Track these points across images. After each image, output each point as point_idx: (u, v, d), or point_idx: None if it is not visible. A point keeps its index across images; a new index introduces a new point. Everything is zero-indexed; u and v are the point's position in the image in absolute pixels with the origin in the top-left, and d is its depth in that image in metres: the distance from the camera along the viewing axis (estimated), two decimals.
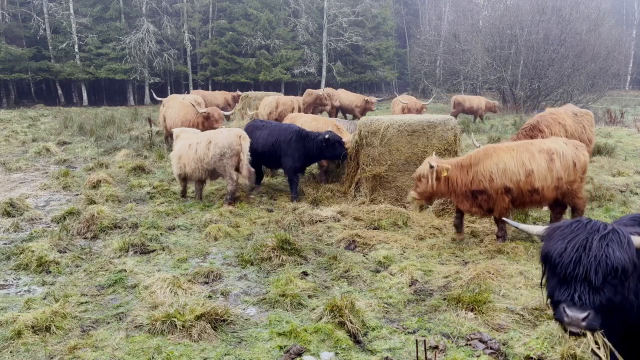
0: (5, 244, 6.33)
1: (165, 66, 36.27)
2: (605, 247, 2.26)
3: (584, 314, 2.21)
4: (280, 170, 10.33)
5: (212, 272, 5.29)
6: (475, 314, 4.28)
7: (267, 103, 13.85)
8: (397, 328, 4.16)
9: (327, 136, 8.06)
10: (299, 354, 3.71)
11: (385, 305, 4.57)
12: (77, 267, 5.59)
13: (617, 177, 9.93)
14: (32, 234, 6.68)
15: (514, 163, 5.75)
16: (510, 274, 5.07)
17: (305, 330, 4.00)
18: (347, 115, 20.89)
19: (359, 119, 12.77)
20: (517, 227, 2.93)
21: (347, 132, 9.48)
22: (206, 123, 11.11)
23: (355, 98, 20.76)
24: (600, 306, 2.24)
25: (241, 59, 37.75)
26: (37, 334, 4.00)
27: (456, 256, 5.81)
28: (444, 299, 4.62)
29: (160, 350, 3.76)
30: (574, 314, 2.22)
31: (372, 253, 5.81)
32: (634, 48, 41.85)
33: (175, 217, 7.48)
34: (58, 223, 7.05)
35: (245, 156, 8.10)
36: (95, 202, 7.90)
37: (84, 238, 6.54)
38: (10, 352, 3.78)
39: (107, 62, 34.95)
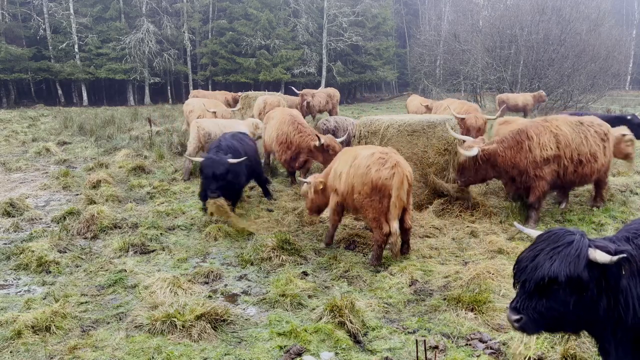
0: (5, 244, 6.33)
1: (165, 66, 36.25)
2: (548, 259, 2.41)
3: (516, 317, 2.49)
4: (282, 170, 10.42)
5: (212, 272, 5.29)
6: (475, 314, 4.28)
7: (257, 104, 14.35)
8: (397, 328, 4.16)
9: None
10: (299, 354, 3.72)
11: (385, 305, 4.57)
12: (77, 267, 5.59)
13: (617, 177, 9.93)
14: (32, 234, 6.68)
15: (346, 166, 5.71)
16: (510, 274, 5.05)
17: (305, 330, 4.00)
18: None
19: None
20: (522, 230, 3.18)
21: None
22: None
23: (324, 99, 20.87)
24: (536, 313, 2.42)
25: (241, 59, 37.73)
26: (37, 334, 4.00)
27: (456, 256, 5.81)
28: (444, 299, 4.62)
29: (160, 350, 3.76)
30: (510, 315, 2.52)
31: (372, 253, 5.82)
32: (634, 48, 41.83)
33: (175, 217, 7.48)
34: (58, 223, 7.05)
35: None
36: (95, 202, 7.90)
37: (84, 238, 6.54)
38: (10, 352, 3.78)
39: (107, 62, 34.93)
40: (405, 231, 5.63)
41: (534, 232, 2.79)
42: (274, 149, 9.47)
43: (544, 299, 2.42)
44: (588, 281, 2.34)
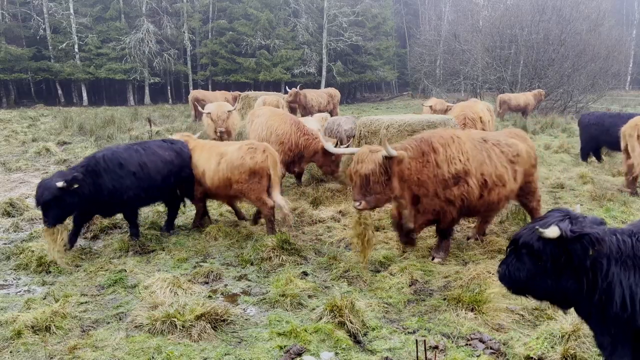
0: (5, 244, 6.33)
1: (165, 66, 36.24)
2: (525, 229, 2.87)
3: (498, 268, 3.04)
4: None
5: (212, 272, 5.29)
6: (475, 314, 4.28)
7: (257, 103, 14.65)
8: (397, 328, 4.16)
9: None
10: (299, 354, 3.71)
11: (385, 305, 4.57)
12: (77, 267, 5.59)
13: (617, 177, 9.94)
14: (32, 234, 6.68)
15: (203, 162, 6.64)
16: None
17: (305, 330, 4.00)
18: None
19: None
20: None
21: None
22: None
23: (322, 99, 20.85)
24: (511, 267, 2.90)
25: (241, 59, 37.71)
26: (37, 334, 4.00)
27: (456, 256, 5.81)
28: (444, 299, 4.62)
29: (160, 350, 3.76)
30: (498, 267, 3.07)
31: (372, 253, 5.81)
32: (634, 48, 41.83)
33: (175, 217, 7.47)
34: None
35: None
36: None
37: (84, 238, 6.53)
38: (10, 352, 3.78)
39: (107, 62, 34.90)
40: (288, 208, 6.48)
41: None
42: None
43: (515, 258, 2.89)
44: (540, 251, 2.68)
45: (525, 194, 6.13)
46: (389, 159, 4.95)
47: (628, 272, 2.56)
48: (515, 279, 2.88)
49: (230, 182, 6.40)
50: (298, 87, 20.30)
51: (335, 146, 8.09)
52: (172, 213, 6.95)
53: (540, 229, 2.66)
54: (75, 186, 5.50)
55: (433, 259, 5.61)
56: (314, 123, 10.20)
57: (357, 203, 5.01)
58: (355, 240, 5.26)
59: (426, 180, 5.22)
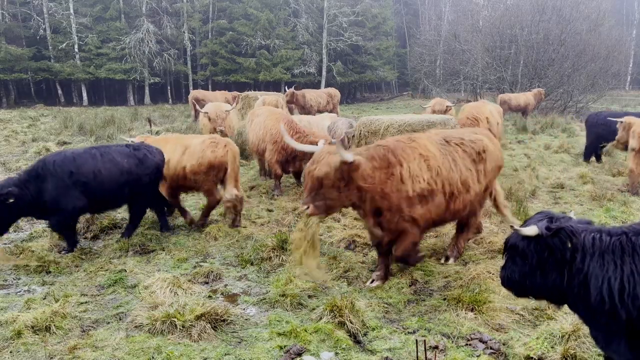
0: (5, 244, 6.33)
1: (165, 66, 36.23)
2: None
3: (500, 273, 3.23)
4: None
5: (212, 272, 5.29)
6: (475, 314, 4.28)
7: (257, 103, 14.70)
8: (397, 328, 4.16)
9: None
10: (299, 354, 3.72)
11: (385, 305, 4.57)
12: (77, 267, 5.59)
13: (617, 177, 9.94)
14: (32, 234, 6.68)
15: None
16: None
17: (305, 330, 4.00)
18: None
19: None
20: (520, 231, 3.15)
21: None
22: None
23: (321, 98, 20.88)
24: (508, 270, 3.11)
25: (241, 59, 37.70)
26: (37, 334, 4.00)
27: None
28: (444, 299, 4.62)
29: (160, 350, 3.76)
30: (500, 271, 3.26)
31: (372, 253, 5.81)
32: (634, 48, 41.81)
33: (176, 217, 7.47)
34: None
35: None
36: None
37: (84, 238, 6.54)
38: (10, 352, 3.78)
39: (107, 62, 34.89)
40: (239, 200, 6.76)
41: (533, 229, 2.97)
42: (266, 149, 8.74)
43: (509, 261, 3.13)
44: (525, 250, 2.93)
45: (479, 201, 5.53)
46: (346, 163, 4.48)
47: (605, 266, 2.67)
48: (513, 281, 3.09)
49: (187, 173, 6.64)
50: (294, 87, 20.32)
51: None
52: (131, 222, 6.56)
53: (520, 229, 2.94)
54: (11, 200, 5.34)
55: (372, 281, 5.06)
56: (325, 122, 10.24)
57: (305, 207, 4.61)
58: (296, 246, 4.80)
59: (390, 193, 4.68)
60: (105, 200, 6.12)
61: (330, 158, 4.55)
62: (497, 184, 5.95)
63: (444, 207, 4.93)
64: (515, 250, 3.00)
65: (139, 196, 6.38)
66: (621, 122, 9.52)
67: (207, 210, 7.02)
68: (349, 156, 4.45)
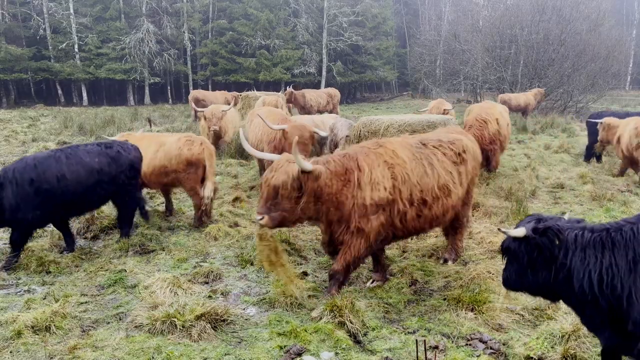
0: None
1: (165, 66, 36.22)
2: None
3: (502, 275, 3.37)
4: None
5: (212, 272, 5.29)
6: (475, 314, 4.28)
7: (257, 103, 14.80)
8: (397, 328, 4.16)
9: None
10: (299, 354, 3.71)
11: (385, 305, 4.57)
12: (77, 267, 5.59)
13: (617, 177, 9.94)
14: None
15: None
16: None
17: (305, 330, 4.00)
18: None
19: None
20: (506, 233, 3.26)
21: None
22: None
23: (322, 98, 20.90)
24: (507, 272, 3.27)
25: (241, 59, 37.70)
26: (37, 334, 4.00)
27: None
28: (444, 299, 4.62)
29: (160, 350, 3.76)
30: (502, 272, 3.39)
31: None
32: (634, 48, 41.81)
33: (176, 218, 7.47)
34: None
35: None
36: None
37: (84, 238, 6.54)
38: (10, 352, 3.78)
39: (107, 62, 34.89)
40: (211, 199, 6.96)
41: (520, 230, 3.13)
42: (264, 149, 8.63)
43: (507, 263, 3.28)
44: (516, 250, 3.09)
45: (465, 204, 5.36)
46: (305, 172, 4.19)
47: (586, 260, 2.86)
48: (512, 281, 3.25)
49: (166, 171, 6.81)
50: (290, 86, 20.35)
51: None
52: (121, 221, 6.41)
53: (508, 231, 3.14)
54: None
55: (372, 281, 5.03)
56: (331, 122, 10.25)
57: (259, 217, 4.27)
58: (263, 263, 4.58)
59: (344, 201, 4.34)
60: (76, 203, 5.81)
61: (289, 166, 4.29)
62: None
63: (412, 217, 4.60)
64: (509, 252, 3.18)
65: (119, 195, 6.20)
66: (601, 123, 10.20)
67: (197, 211, 7.02)
68: (308, 165, 4.20)
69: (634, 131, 9.01)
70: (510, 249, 3.15)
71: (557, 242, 2.93)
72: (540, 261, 3.00)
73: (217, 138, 11.62)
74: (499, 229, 3.27)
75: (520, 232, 3.05)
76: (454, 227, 5.49)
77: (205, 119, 11.41)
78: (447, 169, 4.83)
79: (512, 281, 3.24)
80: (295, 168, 4.22)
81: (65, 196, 5.59)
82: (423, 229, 4.97)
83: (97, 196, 5.97)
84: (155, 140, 7.08)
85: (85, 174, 5.73)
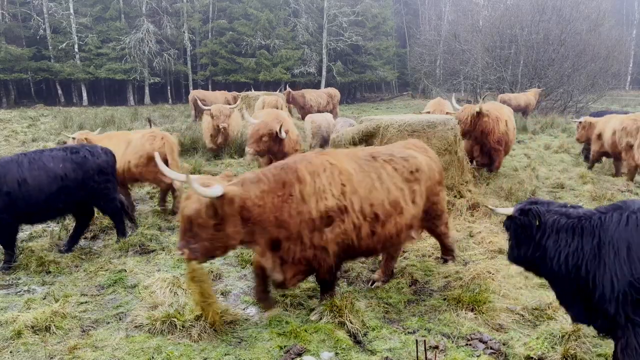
0: None
1: (165, 66, 36.22)
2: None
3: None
4: None
5: (212, 272, 5.29)
6: (475, 314, 4.28)
7: (257, 104, 14.81)
8: (397, 328, 4.16)
9: None
10: (299, 354, 3.71)
11: (385, 305, 4.57)
12: (77, 267, 5.59)
13: (617, 177, 9.94)
14: (32, 234, 6.68)
15: None
16: (510, 274, 5.08)
17: (305, 331, 4.00)
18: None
19: None
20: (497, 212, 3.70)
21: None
22: None
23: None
24: (510, 248, 3.59)
25: (241, 59, 37.69)
26: (37, 334, 4.01)
27: (456, 256, 5.80)
28: (444, 299, 4.62)
29: (160, 350, 3.76)
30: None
31: None
32: (634, 48, 41.81)
33: (175, 217, 7.47)
34: (58, 223, 7.04)
35: None
36: None
37: (84, 238, 6.53)
38: (10, 352, 3.78)
39: (107, 62, 34.88)
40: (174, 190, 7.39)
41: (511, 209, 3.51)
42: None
43: (508, 239, 3.61)
44: (508, 227, 3.49)
45: (431, 218, 5.08)
46: (219, 197, 3.69)
47: (558, 243, 3.18)
48: (509, 253, 3.61)
49: (135, 166, 7.23)
50: (286, 86, 20.37)
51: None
52: (115, 224, 6.38)
53: (495, 209, 3.70)
54: None
55: (372, 283, 4.90)
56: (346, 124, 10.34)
57: (179, 252, 3.89)
58: (194, 297, 4.12)
59: (287, 219, 3.91)
60: (39, 210, 5.58)
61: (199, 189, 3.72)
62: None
63: (367, 233, 4.22)
64: (507, 229, 3.55)
65: (94, 200, 6.04)
66: (579, 122, 11.13)
67: (162, 194, 7.85)
68: (211, 191, 3.64)
69: (623, 131, 9.23)
70: (505, 226, 3.56)
71: (537, 224, 3.25)
72: (523, 238, 3.36)
73: (224, 137, 11.55)
74: (490, 208, 3.76)
75: (508, 211, 3.46)
76: (436, 234, 5.36)
77: (212, 117, 11.36)
78: (398, 185, 4.46)
79: (509, 254, 3.61)
80: (214, 190, 3.68)
81: (28, 201, 5.39)
82: (375, 250, 4.54)
83: (63, 203, 5.70)
84: (123, 138, 7.52)
85: (47, 179, 5.52)
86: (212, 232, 3.76)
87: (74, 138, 7.56)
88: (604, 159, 11.44)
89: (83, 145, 6.19)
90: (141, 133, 7.59)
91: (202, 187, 3.67)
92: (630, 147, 9.06)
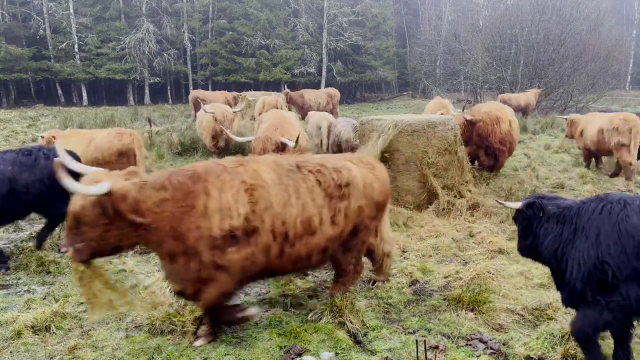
0: (5, 244, 6.32)
1: (165, 66, 36.24)
2: None
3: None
4: None
5: None
6: (475, 314, 4.28)
7: (257, 104, 14.74)
8: (397, 328, 4.15)
9: None
10: (299, 354, 3.71)
11: (386, 305, 4.56)
12: None
13: (617, 177, 9.93)
14: (32, 234, 6.67)
15: None
16: (510, 274, 5.08)
17: (305, 331, 4.00)
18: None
19: None
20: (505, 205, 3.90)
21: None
22: None
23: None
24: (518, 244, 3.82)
25: (241, 59, 37.71)
26: (37, 334, 4.00)
27: (456, 256, 5.81)
28: (444, 299, 4.62)
29: (160, 350, 3.76)
30: None
31: None
32: (634, 48, 41.79)
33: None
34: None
35: None
36: None
37: None
38: (10, 352, 3.78)
39: (107, 62, 34.91)
40: None
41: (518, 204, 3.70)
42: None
43: (517, 232, 3.81)
44: (516, 220, 3.72)
45: (347, 242, 4.26)
46: (108, 194, 3.35)
47: (547, 232, 3.43)
48: (518, 247, 3.80)
49: (99, 163, 7.03)
50: (285, 86, 20.40)
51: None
52: (42, 230, 6.03)
53: (505, 203, 3.89)
54: None
55: (196, 338, 3.95)
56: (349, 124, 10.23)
57: (64, 250, 3.62)
58: (84, 295, 3.82)
59: (185, 233, 3.48)
60: None
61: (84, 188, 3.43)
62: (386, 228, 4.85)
63: (276, 254, 3.75)
64: (515, 221, 3.75)
65: (41, 205, 5.72)
66: (565, 119, 11.57)
67: None
68: (91, 188, 3.33)
69: (614, 131, 9.39)
70: (514, 219, 3.78)
71: (541, 215, 3.49)
72: (528, 230, 3.60)
73: (226, 141, 11.58)
74: (500, 202, 3.94)
75: (517, 205, 3.69)
76: (336, 273, 4.57)
77: (216, 120, 11.36)
78: (316, 201, 3.89)
79: (518, 246, 3.78)
80: (101, 187, 3.35)
81: None
82: (284, 271, 4.15)
83: (15, 205, 5.51)
84: (85, 136, 7.77)
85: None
86: (100, 231, 3.43)
87: (42, 137, 7.92)
88: (604, 159, 11.45)
89: (41, 147, 5.91)
90: (106, 131, 7.96)
91: (83, 183, 3.40)
92: (621, 145, 9.28)
